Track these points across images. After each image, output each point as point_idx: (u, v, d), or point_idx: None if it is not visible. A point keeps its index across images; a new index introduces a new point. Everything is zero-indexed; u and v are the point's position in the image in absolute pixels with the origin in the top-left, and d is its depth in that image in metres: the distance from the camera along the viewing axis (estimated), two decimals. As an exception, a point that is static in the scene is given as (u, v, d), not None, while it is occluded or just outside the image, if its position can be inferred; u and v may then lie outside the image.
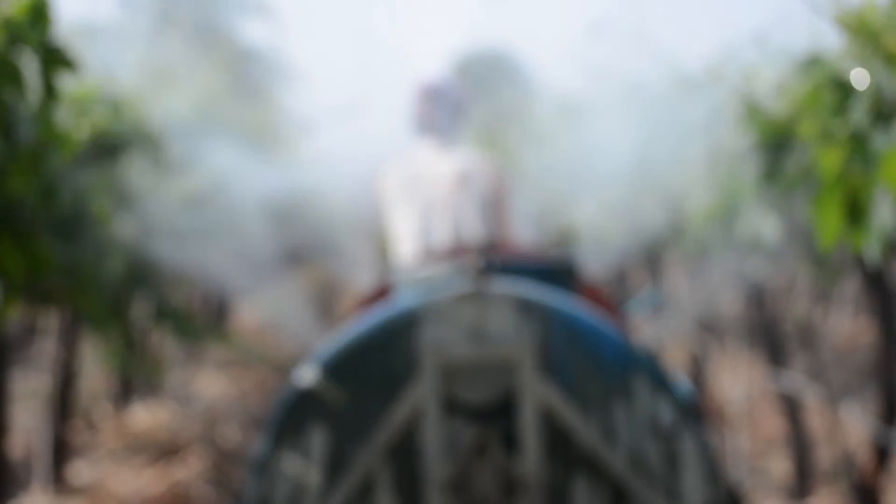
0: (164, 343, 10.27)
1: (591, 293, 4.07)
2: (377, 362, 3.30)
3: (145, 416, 8.20)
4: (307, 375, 3.32)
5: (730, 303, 15.07)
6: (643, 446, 3.26)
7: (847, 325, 14.44)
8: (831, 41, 4.63)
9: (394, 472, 3.26)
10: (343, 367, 3.30)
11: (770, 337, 6.89)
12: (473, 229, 5.14)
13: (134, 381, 8.68)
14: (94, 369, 8.27)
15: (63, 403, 6.87)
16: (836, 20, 3.62)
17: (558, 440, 3.25)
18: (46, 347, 6.84)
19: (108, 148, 4.74)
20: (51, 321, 6.88)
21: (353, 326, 3.41)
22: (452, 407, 3.26)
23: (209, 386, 10.33)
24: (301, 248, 11.29)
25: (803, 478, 6.92)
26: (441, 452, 3.24)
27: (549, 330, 3.28)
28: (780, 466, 7.92)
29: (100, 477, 7.14)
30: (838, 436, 5.03)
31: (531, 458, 3.23)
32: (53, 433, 6.79)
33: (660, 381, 3.28)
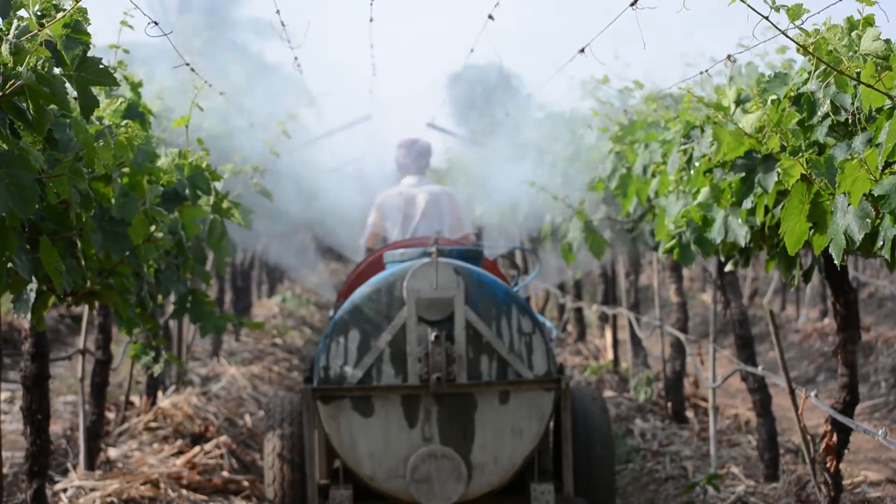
0: (190, 336, 10.28)
1: (489, 266, 6.63)
2: (383, 298, 5.76)
3: (173, 402, 8.19)
4: (346, 307, 5.75)
5: (704, 297, 14.92)
6: (515, 341, 5.75)
7: (811, 318, 14.44)
8: (796, 62, 4.63)
9: (392, 351, 5.73)
10: (366, 300, 5.77)
11: (741, 329, 6.88)
12: (434, 231, 7.32)
13: (162, 371, 8.67)
14: (128, 359, 8.26)
15: (100, 391, 6.86)
16: (798, 44, 3.61)
17: (474, 337, 5.75)
18: (86, 339, 6.81)
19: (173, 195, 4.81)
20: (89, 314, 6.86)
21: (371, 280, 5.82)
22: (422, 321, 5.72)
23: (229, 376, 10.32)
24: (325, 245, 14.19)
25: (771, 456, 6.92)
26: (416, 342, 5.73)
27: (470, 283, 5.75)
28: (751, 447, 7.93)
29: (132, 457, 7.14)
30: (802, 418, 5.03)
31: (461, 345, 5.73)
32: (91, 418, 6.79)
33: (524, 308, 5.80)
